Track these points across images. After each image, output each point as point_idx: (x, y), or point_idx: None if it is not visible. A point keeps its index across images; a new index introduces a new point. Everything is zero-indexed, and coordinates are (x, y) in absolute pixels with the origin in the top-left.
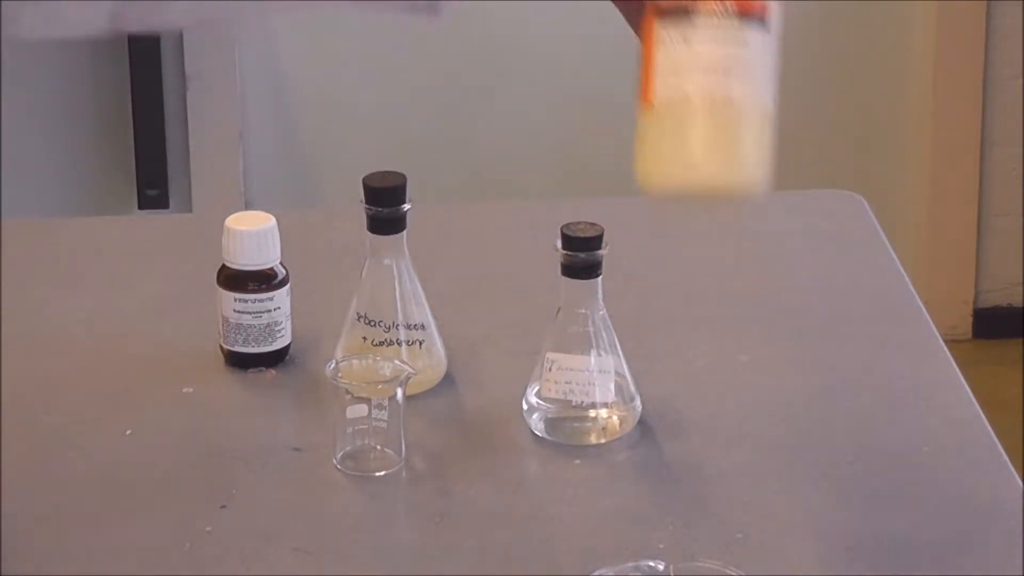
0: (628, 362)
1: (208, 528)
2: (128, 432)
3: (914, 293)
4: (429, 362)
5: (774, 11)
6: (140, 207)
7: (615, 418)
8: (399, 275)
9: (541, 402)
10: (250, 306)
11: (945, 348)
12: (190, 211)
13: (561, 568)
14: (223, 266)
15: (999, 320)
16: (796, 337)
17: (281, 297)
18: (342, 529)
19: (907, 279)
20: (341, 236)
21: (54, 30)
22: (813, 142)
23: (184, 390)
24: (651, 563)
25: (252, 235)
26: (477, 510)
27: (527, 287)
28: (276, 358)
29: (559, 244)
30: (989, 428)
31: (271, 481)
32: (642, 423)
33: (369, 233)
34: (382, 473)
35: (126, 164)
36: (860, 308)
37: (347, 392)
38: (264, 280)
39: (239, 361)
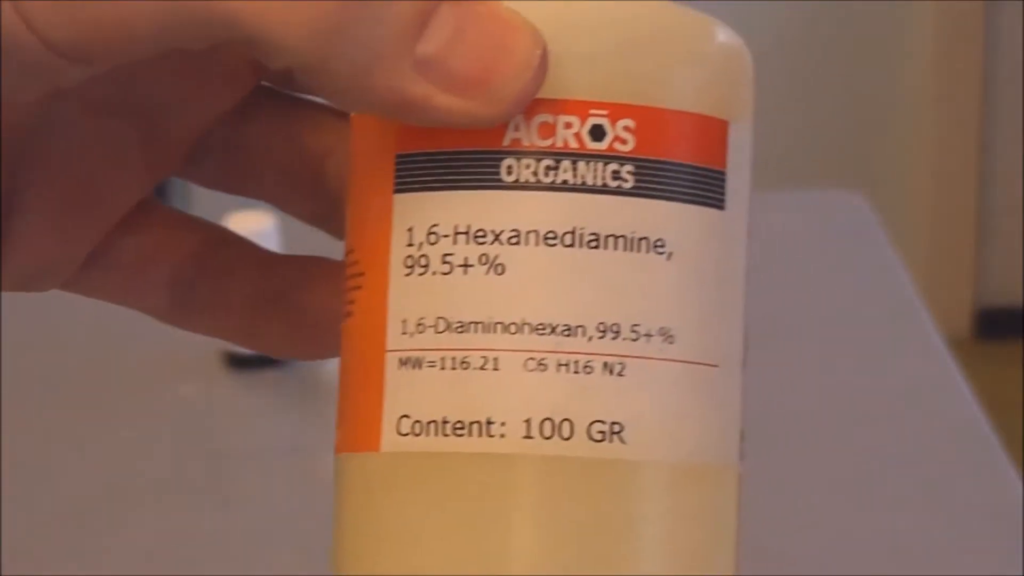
0: None
1: (208, 528)
2: (128, 432)
3: (914, 293)
4: None
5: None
6: None
7: None
8: None
9: None
10: None
11: (945, 348)
12: (190, 209)
13: None
14: None
15: (1000, 320)
16: (796, 337)
17: None
18: None
19: (907, 279)
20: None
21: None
22: (813, 142)
23: (184, 390)
24: None
25: (252, 235)
26: None
27: None
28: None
29: None
30: (990, 429)
31: (271, 481)
32: None
33: None
34: None
35: None
36: (860, 308)
37: None
38: None
39: (239, 361)
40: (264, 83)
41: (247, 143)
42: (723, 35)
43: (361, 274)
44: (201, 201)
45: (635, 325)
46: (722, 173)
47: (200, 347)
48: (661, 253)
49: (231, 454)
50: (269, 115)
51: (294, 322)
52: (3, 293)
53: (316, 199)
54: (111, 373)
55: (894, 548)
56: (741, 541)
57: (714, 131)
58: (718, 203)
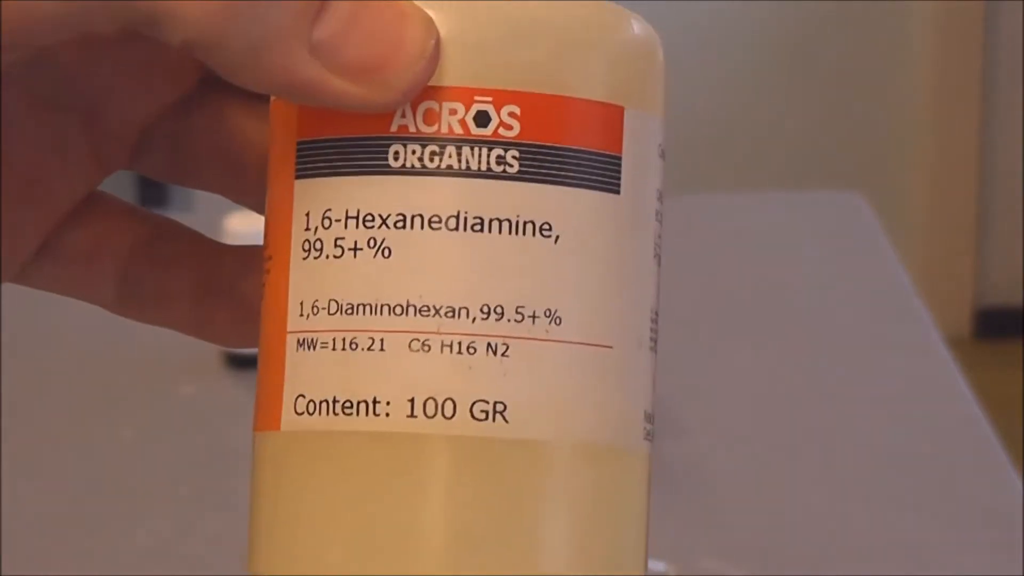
0: None
1: (208, 528)
2: (128, 432)
3: (914, 293)
4: None
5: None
6: (140, 205)
7: None
8: None
9: None
10: None
11: (945, 348)
12: (191, 210)
13: None
14: None
15: (1000, 320)
16: (796, 337)
17: None
18: None
19: (907, 279)
20: None
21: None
22: (813, 142)
23: (184, 390)
24: (651, 563)
25: (252, 237)
26: None
27: None
28: None
29: None
30: (989, 428)
31: None
32: None
33: None
34: None
35: None
36: (860, 308)
37: None
38: None
39: (239, 361)
40: (209, 76)
41: (193, 135)
42: (628, 26)
43: (270, 258)
44: (201, 203)
45: (520, 307)
46: (616, 158)
47: (200, 347)
48: (548, 236)
49: (231, 454)
50: (215, 107)
51: (239, 311)
52: (3, 292)
53: (263, 190)
54: (111, 373)
55: (894, 548)
56: (651, 524)
57: (608, 117)
58: (612, 187)
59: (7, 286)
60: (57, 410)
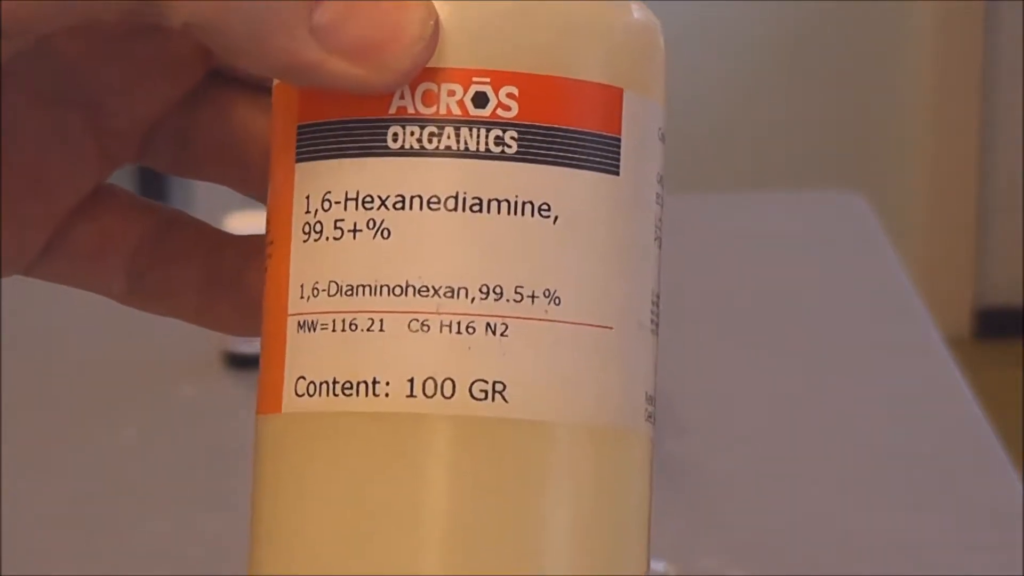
0: None
1: (208, 528)
2: (128, 432)
3: (914, 293)
4: None
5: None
6: None
7: None
8: None
9: None
10: None
11: (945, 348)
12: (191, 206)
13: None
14: None
15: (1000, 320)
16: (796, 337)
17: None
18: None
19: (907, 279)
20: None
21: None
22: (813, 142)
23: (184, 390)
24: (651, 563)
25: (252, 232)
26: None
27: None
28: None
29: None
30: (990, 429)
31: None
32: None
33: None
34: None
35: None
36: (860, 308)
37: None
38: None
39: (239, 361)
40: (215, 71)
41: (200, 130)
42: (628, 10)
43: (271, 243)
44: (202, 199)
45: (518, 287)
46: (615, 139)
47: (200, 347)
48: (547, 216)
49: (231, 454)
50: (221, 102)
51: (243, 301)
52: (3, 292)
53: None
54: (111, 373)
55: (894, 548)
56: (654, 507)
57: (607, 99)
58: (611, 169)
59: (7, 285)
60: (57, 410)
